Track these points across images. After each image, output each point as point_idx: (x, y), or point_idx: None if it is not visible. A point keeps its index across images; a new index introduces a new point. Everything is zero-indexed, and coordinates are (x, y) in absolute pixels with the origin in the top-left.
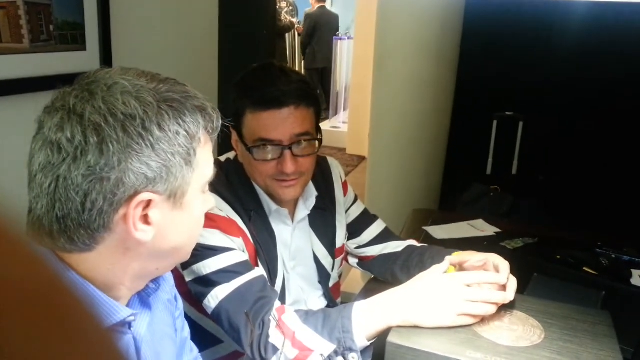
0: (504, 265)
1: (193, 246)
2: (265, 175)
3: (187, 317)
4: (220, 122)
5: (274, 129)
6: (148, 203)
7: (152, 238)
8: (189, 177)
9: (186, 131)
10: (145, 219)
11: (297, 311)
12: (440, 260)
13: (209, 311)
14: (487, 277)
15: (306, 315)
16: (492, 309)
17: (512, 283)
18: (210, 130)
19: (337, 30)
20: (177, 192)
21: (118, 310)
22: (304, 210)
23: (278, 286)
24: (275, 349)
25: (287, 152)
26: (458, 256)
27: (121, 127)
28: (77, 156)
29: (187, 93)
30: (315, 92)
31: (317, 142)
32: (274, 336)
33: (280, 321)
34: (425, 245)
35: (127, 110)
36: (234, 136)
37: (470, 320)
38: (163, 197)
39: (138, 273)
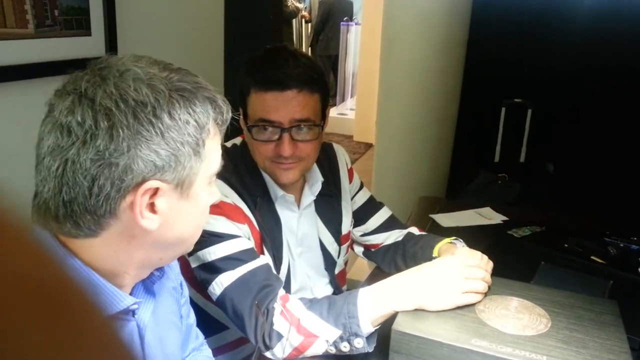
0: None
1: (197, 237)
2: (264, 156)
3: (193, 303)
4: (230, 114)
5: (274, 111)
6: (155, 191)
7: (158, 227)
8: (197, 168)
9: (196, 121)
10: (152, 207)
11: (301, 299)
12: (429, 249)
13: (214, 298)
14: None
15: (310, 303)
16: (487, 285)
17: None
18: (220, 122)
19: (351, 17)
20: (184, 182)
21: (121, 298)
22: (309, 196)
23: (283, 273)
24: (280, 337)
25: (286, 135)
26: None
27: (132, 113)
28: (86, 140)
29: (199, 84)
30: (323, 78)
31: (319, 128)
32: (279, 324)
33: (284, 308)
34: (423, 233)
35: (139, 97)
36: (241, 113)
37: (475, 298)
38: (171, 186)
39: (142, 262)
